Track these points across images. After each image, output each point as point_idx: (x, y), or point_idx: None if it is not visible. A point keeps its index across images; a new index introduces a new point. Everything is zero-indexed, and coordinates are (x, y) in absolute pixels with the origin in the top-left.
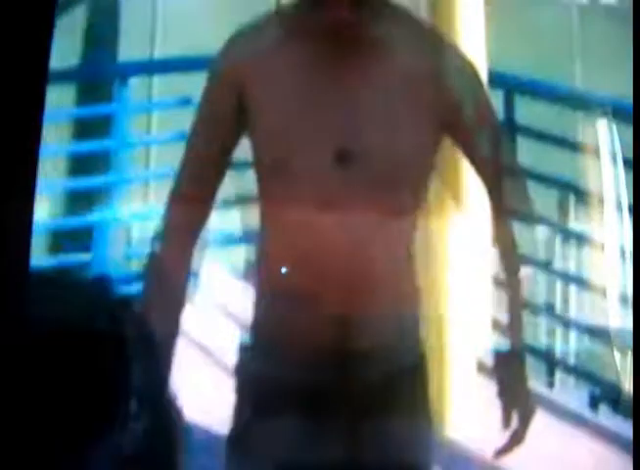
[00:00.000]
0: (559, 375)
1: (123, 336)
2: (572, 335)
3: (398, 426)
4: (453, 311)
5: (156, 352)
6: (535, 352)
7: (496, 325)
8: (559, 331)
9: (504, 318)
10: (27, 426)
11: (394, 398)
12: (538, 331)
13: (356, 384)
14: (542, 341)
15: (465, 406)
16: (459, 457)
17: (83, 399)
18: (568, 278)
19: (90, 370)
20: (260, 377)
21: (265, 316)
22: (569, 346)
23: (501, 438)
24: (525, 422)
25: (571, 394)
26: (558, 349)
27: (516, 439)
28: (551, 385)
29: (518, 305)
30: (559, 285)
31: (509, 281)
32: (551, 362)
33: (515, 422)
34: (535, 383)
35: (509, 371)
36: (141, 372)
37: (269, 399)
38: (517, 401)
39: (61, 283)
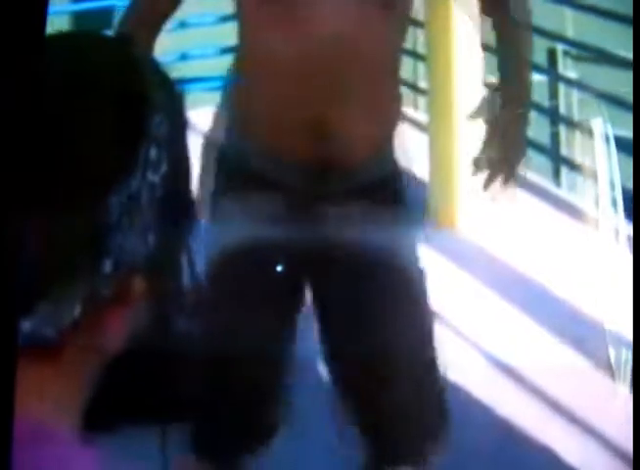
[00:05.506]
0: (565, 173)
1: (146, 88)
2: (577, 136)
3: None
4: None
5: (179, 108)
6: (542, 149)
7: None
8: (563, 131)
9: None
10: (48, 171)
11: (368, 203)
12: (543, 132)
13: (329, 186)
14: (547, 141)
15: (472, 201)
16: (467, 251)
17: (102, 145)
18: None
19: (109, 119)
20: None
21: (246, 113)
22: (573, 146)
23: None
24: (513, 155)
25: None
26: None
27: (502, 169)
28: (558, 184)
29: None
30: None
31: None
32: (557, 161)
33: (503, 155)
34: (542, 180)
35: (503, 112)
36: (164, 123)
37: (245, 188)
38: (506, 137)
39: (82, 38)
